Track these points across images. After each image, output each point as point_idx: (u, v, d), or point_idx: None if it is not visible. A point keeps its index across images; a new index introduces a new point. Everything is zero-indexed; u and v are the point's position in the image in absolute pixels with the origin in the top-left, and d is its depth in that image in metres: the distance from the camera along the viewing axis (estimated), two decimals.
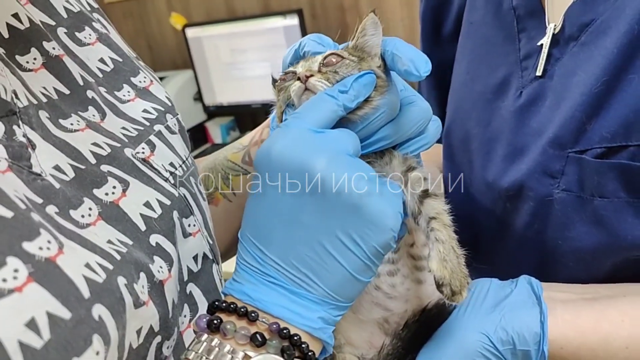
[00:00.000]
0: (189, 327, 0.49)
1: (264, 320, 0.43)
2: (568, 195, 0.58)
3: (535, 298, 0.55)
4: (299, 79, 0.50)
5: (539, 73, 0.63)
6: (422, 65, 0.47)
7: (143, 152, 0.49)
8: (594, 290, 0.58)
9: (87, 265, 0.36)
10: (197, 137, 2.57)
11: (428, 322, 0.56)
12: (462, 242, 0.52)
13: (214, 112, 2.55)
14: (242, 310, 0.43)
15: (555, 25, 0.62)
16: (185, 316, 0.49)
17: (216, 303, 0.44)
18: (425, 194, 0.51)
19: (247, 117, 2.63)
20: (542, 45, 0.63)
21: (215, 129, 2.59)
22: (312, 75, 0.50)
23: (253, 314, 0.43)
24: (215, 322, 0.42)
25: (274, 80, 0.58)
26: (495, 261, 0.72)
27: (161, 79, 2.45)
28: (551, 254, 0.62)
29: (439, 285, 0.48)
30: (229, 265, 0.54)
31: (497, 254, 0.72)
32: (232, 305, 0.43)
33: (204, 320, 0.43)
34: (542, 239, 0.62)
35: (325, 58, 0.52)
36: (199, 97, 2.51)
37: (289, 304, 0.44)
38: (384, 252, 0.46)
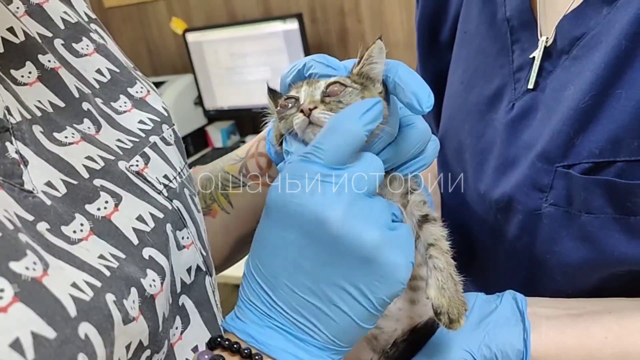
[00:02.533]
0: (180, 339, 0.49)
1: None
2: (556, 210, 0.58)
3: (519, 314, 0.56)
4: (302, 111, 0.49)
5: (530, 86, 0.63)
6: (425, 100, 0.47)
7: (137, 165, 0.49)
8: (579, 306, 0.58)
9: (74, 285, 0.36)
10: (198, 141, 2.57)
11: (416, 341, 0.56)
12: (458, 251, 0.53)
13: (214, 116, 2.55)
14: (246, 351, 0.43)
15: (547, 38, 0.62)
16: (176, 328, 0.49)
17: (218, 339, 0.45)
18: (425, 219, 0.51)
19: (247, 121, 2.64)
20: (534, 57, 0.63)
21: (215, 133, 2.60)
22: (315, 107, 0.49)
23: (257, 357, 0.43)
24: None
25: (270, 90, 0.57)
26: (489, 270, 0.73)
27: (161, 83, 2.46)
28: (539, 267, 0.62)
29: (437, 314, 0.48)
30: (227, 275, 0.54)
31: (490, 263, 0.72)
32: (235, 345, 0.44)
33: (206, 357, 0.43)
34: (530, 251, 0.62)
35: (327, 87, 0.51)
36: (199, 101, 2.52)
37: (293, 349, 0.44)
38: (391, 301, 0.45)
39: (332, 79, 0.52)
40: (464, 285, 0.51)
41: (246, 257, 0.73)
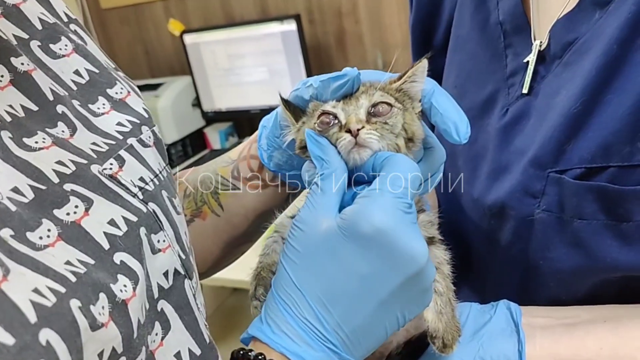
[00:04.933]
0: (162, 345, 0.48)
1: None
2: (548, 216, 0.58)
3: (514, 325, 0.55)
4: (348, 131, 0.48)
5: (524, 91, 0.63)
6: (464, 132, 0.48)
7: (111, 168, 0.48)
8: (574, 314, 0.57)
9: (36, 290, 0.35)
10: (196, 143, 2.57)
11: (411, 353, 0.56)
12: (454, 256, 0.54)
13: (212, 117, 2.55)
14: None
15: (541, 42, 0.62)
16: (156, 334, 0.48)
17: (259, 357, 0.44)
18: (431, 241, 0.52)
19: (245, 122, 2.64)
20: (528, 62, 0.62)
21: (214, 135, 2.59)
22: (362, 127, 0.48)
23: None
24: None
25: (284, 101, 0.55)
26: (484, 275, 0.72)
27: (159, 85, 2.45)
28: (533, 273, 0.62)
29: (431, 337, 0.49)
30: (224, 279, 0.52)
31: (485, 268, 0.72)
32: None
33: None
34: (524, 257, 0.62)
35: (374, 107, 0.50)
36: (197, 103, 2.51)
37: None
38: None
39: (378, 98, 0.50)
40: (460, 292, 0.52)
41: (241, 259, 0.74)
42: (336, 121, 0.50)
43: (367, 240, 0.44)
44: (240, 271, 0.68)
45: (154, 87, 2.44)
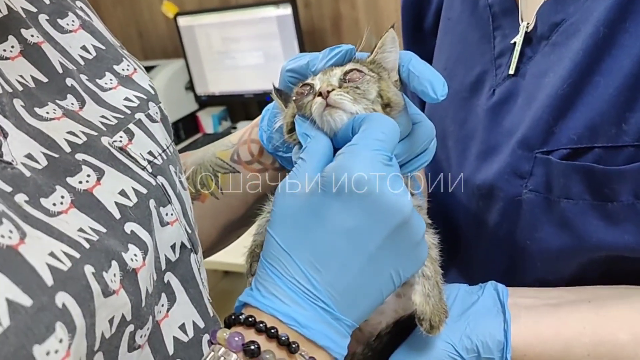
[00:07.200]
0: (167, 317, 0.49)
1: (303, 353, 0.43)
2: (536, 196, 0.58)
3: (500, 305, 0.56)
4: (319, 94, 0.49)
5: (511, 71, 0.63)
6: (440, 88, 0.48)
7: (120, 141, 0.49)
8: (559, 295, 0.58)
9: (52, 254, 0.36)
10: (189, 126, 2.57)
11: (399, 333, 0.56)
12: (442, 238, 0.54)
13: (205, 101, 2.54)
14: (284, 338, 0.43)
15: (528, 24, 0.62)
16: (162, 305, 0.49)
17: (249, 319, 0.44)
18: None
19: (239, 106, 2.63)
20: (515, 43, 0.63)
21: (207, 119, 2.59)
22: (333, 90, 0.49)
23: (294, 345, 0.43)
24: (252, 347, 0.42)
25: (277, 90, 0.57)
26: (472, 257, 0.73)
27: (152, 67, 2.44)
28: (520, 254, 0.63)
29: (419, 319, 0.50)
30: (217, 262, 0.52)
31: (473, 250, 0.73)
32: (272, 330, 0.43)
33: (237, 339, 0.43)
34: (511, 238, 0.63)
35: (346, 73, 0.51)
36: (190, 86, 2.50)
37: (332, 332, 0.45)
38: None
39: (350, 66, 0.52)
40: (448, 274, 0.52)
41: (234, 243, 0.74)
42: (311, 90, 0.51)
43: (348, 194, 0.44)
44: (232, 255, 0.68)
45: (147, 69, 2.37)
